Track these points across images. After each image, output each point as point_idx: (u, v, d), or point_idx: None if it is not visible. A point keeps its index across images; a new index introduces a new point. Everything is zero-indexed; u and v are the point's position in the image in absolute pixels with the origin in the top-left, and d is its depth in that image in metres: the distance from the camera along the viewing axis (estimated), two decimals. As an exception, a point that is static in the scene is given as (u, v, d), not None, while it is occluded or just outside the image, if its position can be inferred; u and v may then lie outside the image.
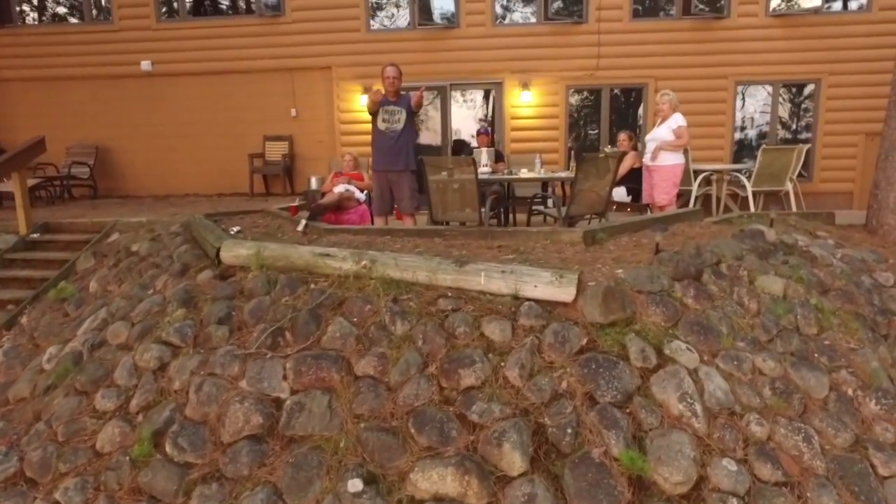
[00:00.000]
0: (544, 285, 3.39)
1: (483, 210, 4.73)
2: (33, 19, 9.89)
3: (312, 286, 3.79)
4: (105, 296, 4.96)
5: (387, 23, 9.11)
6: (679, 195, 6.25)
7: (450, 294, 3.57)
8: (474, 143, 9.25)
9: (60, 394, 3.56)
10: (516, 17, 9.02)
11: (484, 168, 6.42)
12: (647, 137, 5.86)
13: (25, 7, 9.83)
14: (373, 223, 6.10)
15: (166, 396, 3.29)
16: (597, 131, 9.07)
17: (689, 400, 2.89)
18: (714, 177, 7.65)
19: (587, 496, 2.58)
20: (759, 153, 7.24)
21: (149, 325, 3.77)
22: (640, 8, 8.71)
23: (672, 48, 8.54)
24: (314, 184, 8.82)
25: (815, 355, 3.44)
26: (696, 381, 3.02)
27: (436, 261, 3.70)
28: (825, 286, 4.19)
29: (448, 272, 3.62)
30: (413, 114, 4.92)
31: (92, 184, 9.24)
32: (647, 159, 5.75)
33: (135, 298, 4.33)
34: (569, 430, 2.76)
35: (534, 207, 5.69)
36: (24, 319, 5.28)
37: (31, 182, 7.78)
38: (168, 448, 3.00)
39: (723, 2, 8.45)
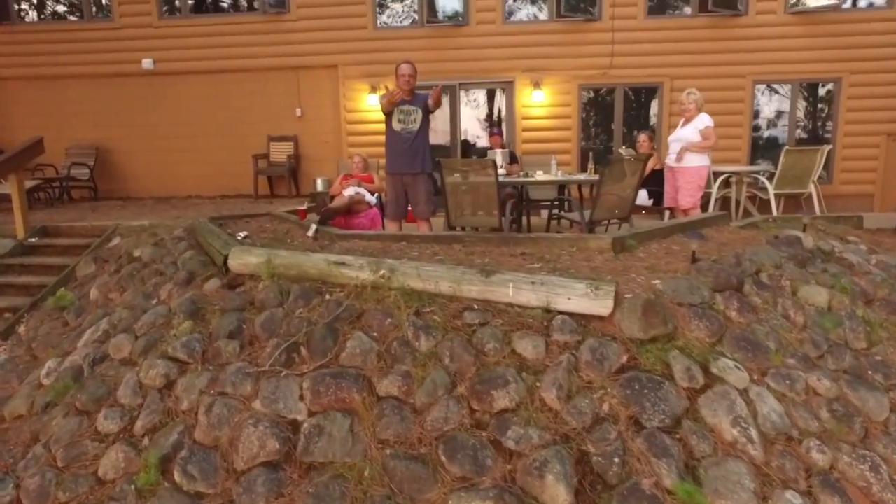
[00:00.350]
0: (578, 298, 3.16)
1: (503, 215, 4.50)
2: (32, 17, 9.63)
3: (327, 297, 3.56)
4: (106, 304, 4.73)
5: (394, 20, 8.87)
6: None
7: (476, 306, 3.34)
8: (483, 144, 9.04)
9: (60, 413, 3.32)
10: (527, 14, 8.79)
11: (499, 170, 6.19)
12: (671, 138, 5.63)
13: (24, 4, 9.58)
14: (384, 227, 5.88)
15: (174, 418, 3.06)
16: (610, 132, 8.84)
17: (743, 424, 2.66)
18: (733, 178, 7.43)
19: (638, 533, 2.35)
20: (782, 154, 7.01)
21: (154, 339, 3.54)
22: (656, 5, 8.48)
23: (688, 46, 8.32)
24: (320, 185, 8.62)
25: (869, 373, 3.21)
26: (747, 403, 2.79)
27: (460, 270, 3.47)
28: (868, 296, 3.97)
29: (474, 283, 3.39)
30: (429, 113, 4.68)
31: (92, 185, 9.01)
32: (670, 161, 5.53)
33: (138, 309, 4.09)
34: (615, 459, 2.53)
35: (552, 212, 5.45)
36: (21, 328, 5.05)
37: (29, 184, 7.53)
38: (177, 476, 2.77)
39: (740, -1, 8.23)
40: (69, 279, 5.57)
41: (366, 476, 2.65)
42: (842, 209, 7.73)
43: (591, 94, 8.84)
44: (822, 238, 4.68)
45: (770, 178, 7.14)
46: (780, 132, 8.56)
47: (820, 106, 8.58)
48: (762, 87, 8.51)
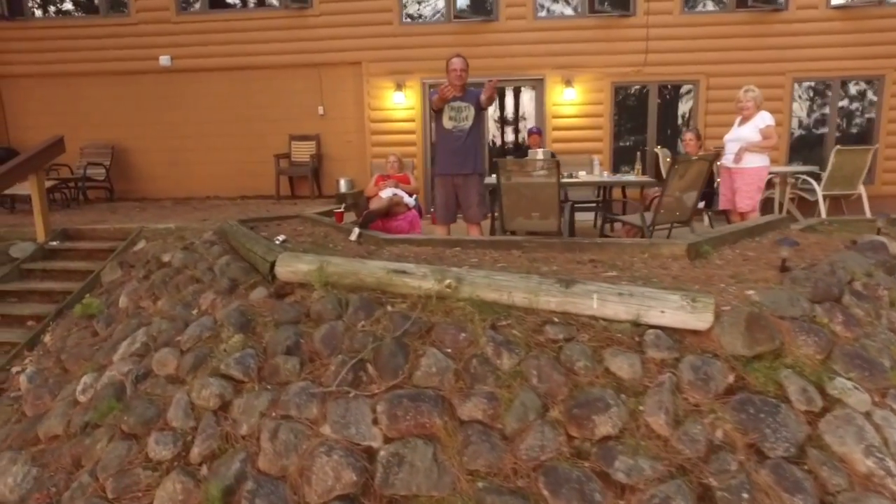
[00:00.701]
0: (673, 311, 2.88)
1: (563, 218, 4.23)
2: (45, 12, 9.35)
3: (389, 308, 3.29)
4: (138, 313, 4.45)
5: (421, 15, 8.59)
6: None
7: (556, 319, 3.07)
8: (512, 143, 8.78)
9: (104, 436, 3.05)
10: (559, 9, 8.51)
11: (540, 172, 5.92)
12: (728, 138, 5.36)
13: (36, -1, 9.33)
14: (420, 231, 5.61)
15: (233, 444, 2.79)
16: (644, 131, 8.56)
17: (877, 454, 2.39)
18: (776, 179, 7.15)
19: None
20: (833, 154, 6.75)
21: (202, 354, 3.26)
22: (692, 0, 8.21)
23: (725, 43, 8.05)
24: (343, 186, 8.35)
25: None
26: (875, 429, 2.52)
27: (535, 280, 3.20)
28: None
29: (552, 294, 3.11)
30: (482, 110, 4.41)
31: (108, 186, 8.73)
32: (727, 161, 5.25)
33: (179, 319, 3.82)
34: (743, 494, 2.26)
35: (606, 214, 5.16)
36: (47, 338, 4.78)
37: (46, 184, 7.24)
38: (243, 511, 2.50)
39: (780, -7, 7.95)
40: (94, 285, 5.30)
41: (458, 513, 2.37)
42: (885, 211, 7.45)
43: (625, 93, 8.55)
44: (901, 243, 4.40)
45: (814, 177, 6.86)
46: (821, 132, 8.28)
47: (862, 104, 8.30)
48: (802, 85, 8.23)
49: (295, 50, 8.57)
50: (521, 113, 8.88)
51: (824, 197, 6.97)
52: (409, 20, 8.53)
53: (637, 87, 8.46)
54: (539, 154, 6.07)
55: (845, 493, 2.31)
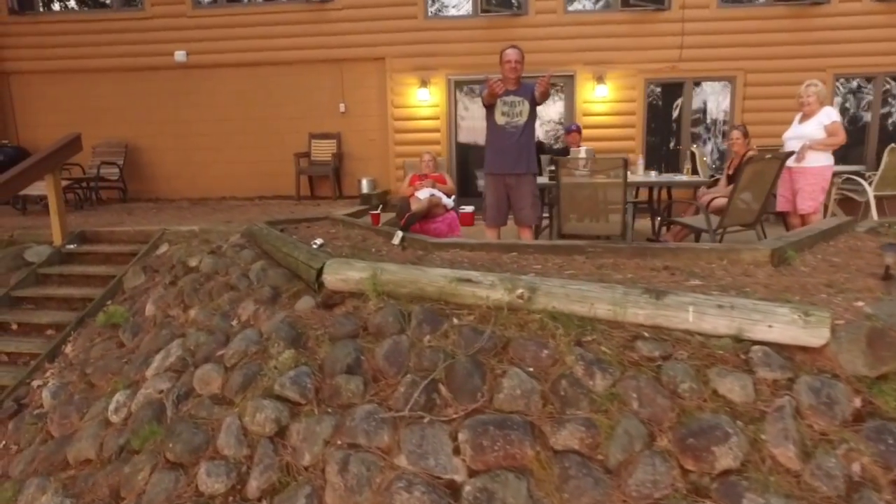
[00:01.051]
0: (783, 325, 2.57)
1: (627, 221, 3.93)
2: (55, 7, 9.04)
3: (456, 321, 2.98)
4: (168, 322, 4.15)
5: (447, 7, 8.28)
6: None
7: (647, 334, 2.76)
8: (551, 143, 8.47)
9: (146, 464, 2.74)
10: (590, 3, 8.21)
11: (583, 172, 5.62)
12: (788, 136, 5.06)
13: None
14: (459, 233, 5.31)
15: (295, 476, 2.48)
16: (678, 129, 8.26)
17: None
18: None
19: None
20: (886, 153, 6.45)
21: (251, 372, 2.96)
22: (730, -8, 7.91)
23: (764, 37, 7.74)
24: (365, 186, 8.06)
25: None
26: None
27: (620, 290, 2.89)
28: None
29: (641, 305, 2.80)
30: (537, 105, 4.10)
31: (121, 186, 8.43)
32: (789, 161, 4.94)
33: (218, 331, 3.51)
34: (902, 544, 1.95)
35: (666, 218, 4.84)
36: (68, 349, 4.48)
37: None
38: (315, 556, 2.20)
39: (822, -14, 7.65)
40: (116, 291, 5.00)
41: (566, 561, 2.07)
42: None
43: (658, 89, 8.24)
44: None
45: (864, 177, 6.56)
46: (863, 129, 7.98)
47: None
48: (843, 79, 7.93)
49: (316, 45, 8.27)
50: (550, 110, 8.57)
51: (877, 198, 6.65)
52: (434, 14, 8.22)
53: (672, 83, 8.14)
54: (581, 153, 5.78)
55: None
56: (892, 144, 6.59)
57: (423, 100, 8.17)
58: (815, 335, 2.54)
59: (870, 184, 6.40)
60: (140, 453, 2.84)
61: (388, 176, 8.46)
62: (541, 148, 7.98)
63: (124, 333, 4.27)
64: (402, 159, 8.26)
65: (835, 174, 6.61)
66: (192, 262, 4.85)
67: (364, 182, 8.12)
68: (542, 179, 5.24)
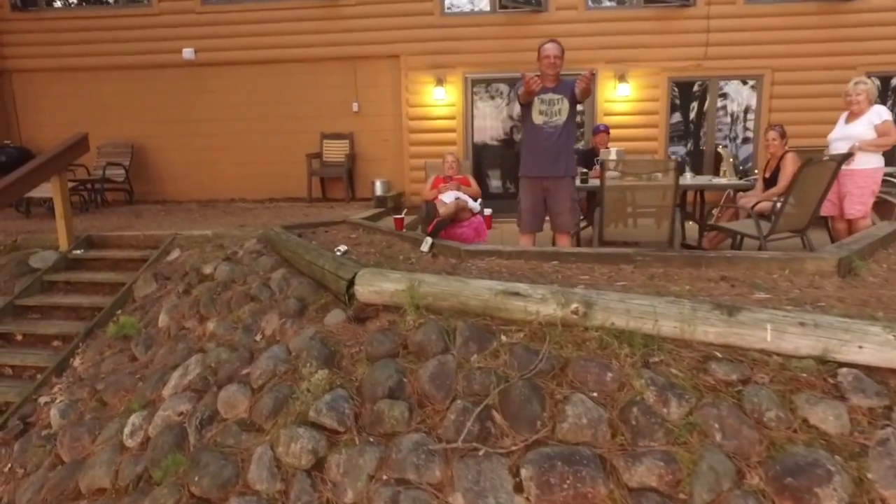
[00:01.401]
0: (876, 346, 2.33)
1: (676, 227, 3.67)
2: (59, 2, 8.79)
3: (504, 339, 2.73)
4: (183, 335, 3.90)
5: (464, 5, 8.02)
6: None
7: (719, 355, 2.51)
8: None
9: (168, 499, 2.48)
10: (614, -1, 7.97)
11: (613, 174, 5.37)
12: (834, 137, 4.80)
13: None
14: (486, 239, 5.06)
15: (338, 515, 2.22)
16: (702, 129, 8.01)
17: None
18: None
19: None
20: (927, 154, 6.19)
21: (281, 395, 2.70)
22: (758, -12, 7.65)
23: (792, 34, 7.49)
24: (379, 188, 7.81)
25: None
26: None
27: (688, 306, 2.63)
28: None
29: (711, 322, 2.55)
30: (577, 104, 3.85)
31: (128, 187, 8.17)
32: (834, 161, 4.69)
33: (241, 347, 3.26)
34: None
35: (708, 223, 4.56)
36: (76, 362, 4.23)
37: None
38: None
39: (853, -19, 7.39)
40: (126, 300, 4.75)
41: None
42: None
43: (682, 88, 7.98)
44: None
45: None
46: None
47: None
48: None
49: (328, 42, 8.02)
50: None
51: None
52: (451, 10, 7.96)
53: (696, 81, 7.89)
54: (612, 154, 5.53)
55: None
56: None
57: (439, 99, 7.92)
58: (913, 357, 2.29)
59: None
60: (161, 485, 2.58)
61: (402, 177, 8.21)
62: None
63: (137, 346, 4.01)
64: (417, 160, 8.01)
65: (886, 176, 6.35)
66: (207, 270, 4.60)
67: (378, 184, 7.87)
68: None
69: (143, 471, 2.76)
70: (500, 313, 2.87)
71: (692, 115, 8.05)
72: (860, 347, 2.35)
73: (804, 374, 2.39)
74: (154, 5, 8.20)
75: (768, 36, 7.50)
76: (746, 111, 7.92)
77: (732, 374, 2.40)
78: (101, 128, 8.36)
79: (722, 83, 7.86)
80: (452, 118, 8.03)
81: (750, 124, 7.91)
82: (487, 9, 7.90)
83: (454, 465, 2.25)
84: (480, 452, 2.28)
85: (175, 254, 5.16)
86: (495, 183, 8.46)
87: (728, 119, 7.99)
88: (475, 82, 8.04)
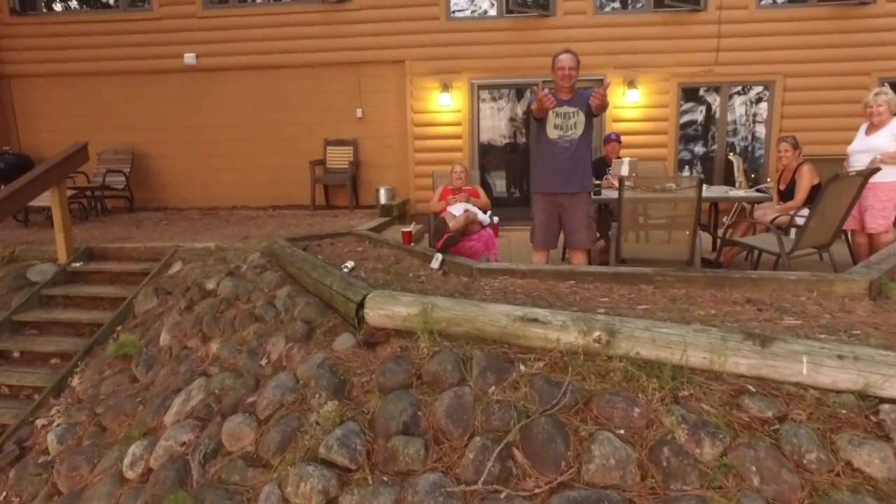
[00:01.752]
0: (921, 382, 2.19)
1: (697, 245, 3.54)
2: (59, 7, 8.66)
3: (523, 369, 2.60)
4: (186, 355, 3.77)
5: (471, 10, 7.89)
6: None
7: (752, 388, 2.37)
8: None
9: (171, 541, 2.35)
10: (623, 3, 7.83)
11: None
12: (853, 149, 4.67)
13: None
14: (496, 252, 4.92)
15: (351, 564, 2.09)
16: (713, 137, 7.87)
17: None
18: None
19: None
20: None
21: (289, 428, 2.57)
22: (770, -8, 7.53)
23: (805, 40, 7.36)
24: (383, 196, 7.68)
25: None
26: None
27: (717, 335, 2.50)
28: None
29: (744, 354, 2.42)
30: (593, 117, 3.71)
31: (128, 195, 8.04)
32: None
33: (246, 373, 3.13)
34: None
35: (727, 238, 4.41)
36: (75, 381, 4.10)
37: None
38: None
39: (867, -15, 7.24)
40: (126, 316, 4.63)
41: None
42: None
43: (693, 94, 7.84)
44: None
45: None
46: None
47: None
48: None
49: (332, 47, 7.89)
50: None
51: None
52: (457, 15, 7.83)
53: (707, 88, 7.75)
54: (624, 164, 5.39)
55: None
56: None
57: (445, 105, 7.79)
58: (960, 394, 2.16)
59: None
60: (163, 525, 2.45)
61: (406, 185, 8.08)
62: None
63: (137, 367, 3.89)
64: (422, 167, 7.89)
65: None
66: (209, 285, 4.47)
67: (382, 191, 7.74)
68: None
69: (144, 506, 2.63)
70: (519, 340, 2.75)
71: (702, 121, 7.91)
72: (904, 382, 2.22)
73: (844, 411, 2.25)
74: (155, 10, 8.07)
75: (780, 41, 7.37)
76: (756, 117, 7.79)
77: (768, 410, 2.26)
78: (101, 134, 8.25)
79: (733, 89, 7.73)
80: (458, 125, 7.89)
81: (761, 131, 7.77)
82: (494, 13, 7.77)
83: (475, 509, 2.12)
84: (502, 495, 2.15)
85: (176, 267, 5.03)
86: (502, 190, 8.33)
87: (739, 125, 7.85)
88: (481, 88, 7.91)
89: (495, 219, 5.46)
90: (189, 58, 8.04)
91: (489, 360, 2.62)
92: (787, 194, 5.14)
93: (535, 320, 2.73)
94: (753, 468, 2.08)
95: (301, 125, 8.14)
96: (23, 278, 5.04)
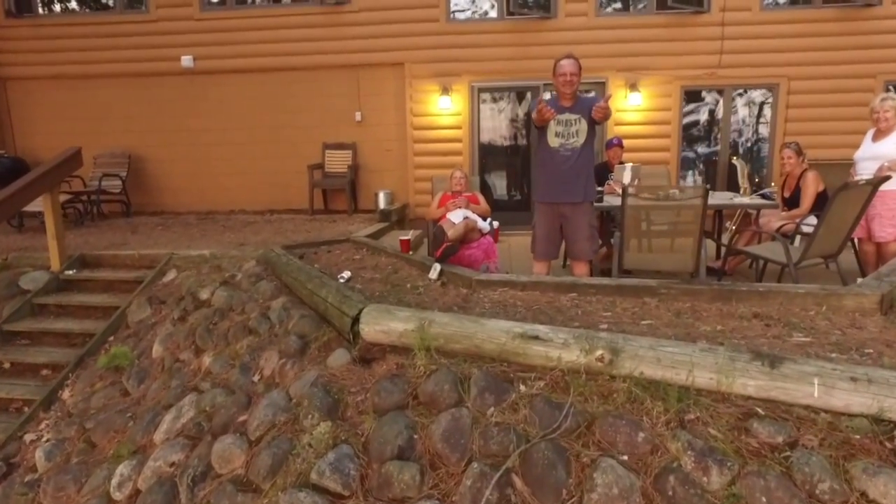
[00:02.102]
0: (938, 406, 2.09)
1: (702, 256, 3.45)
2: (56, 9, 8.57)
3: (523, 388, 2.51)
4: (178, 368, 3.68)
5: (471, 11, 7.80)
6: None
7: (761, 411, 2.28)
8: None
9: (156, 571, 2.26)
10: (624, 5, 7.73)
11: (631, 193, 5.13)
12: (861, 156, 4.57)
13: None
14: (496, 260, 4.82)
15: None
16: (716, 140, 7.78)
17: None
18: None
19: None
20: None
21: (280, 451, 2.48)
22: (774, -7, 7.43)
23: (810, 42, 7.26)
24: (382, 200, 7.59)
25: None
26: None
27: (724, 355, 2.40)
28: None
29: (752, 375, 2.32)
30: (595, 125, 3.61)
31: (124, 199, 7.95)
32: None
33: (238, 390, 3.04)
34: None
35: (732, 247, 4.31)
36: (65, 394, 4.01)
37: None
38: None
39: (873, -13, 7.14)
40: (119, 325, 4.54)
41: None
42: None
43: (696, 97, 7.74)
44: None
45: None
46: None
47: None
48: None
49: (331, 49, 7.80)
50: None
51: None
52: (457, 17, 7.73)
53: (710, 90, 7.66)
54: (626, 170, 5.29)
55: None
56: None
57: (445, 108, 7.70)
58: (981, 421, 2.06)
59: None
60: (149, 552, 2.36)
61: (406, 188, 8.00)
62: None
63: (129, 380, 3.80)
64: (421, 171, 7.80)
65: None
66: (204, 295, 4.39)
67: (381, 196, 7.64)
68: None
69: (130, 531, 2.55)
70: (519, 358, 2.65)
71: (706, 124, 7.81)
72: (920, 407, 2.12)
73: (857, 436, 2.16)
74: (152, 12, 7.99)
75: (784, 44, 7.27)
76: (760, 120, 7.69)
77: (777, 435, 2.17)
78: (97, 137, 8.17)
79: (736, 92, 7.63)
80: (458, 128, 7.80)
81: (765, 134, 7.68)
82: (494, 15, 7.68)
83: (472, 541, 2.03)
84: (501, 526, 2.05)
85: (171, 275, 4.95)
86: (502, 193, 8.24)
87: (743, 129, 7.75)
88: (482, 91, 7.81)
89: (495, 223, 5.37)
90: (186, 60, 7.95)
91: (488, 379, 2.53)
92: (791, 201, 5.04)
93: (536, 338, 2.63)
94: (764, 499, 1.99)
95: (299, 128, 8.05)
96: (15, 286, 4.96)
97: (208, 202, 8.30)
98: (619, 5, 7.72)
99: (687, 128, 7.75)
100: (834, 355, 2.56)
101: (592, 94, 4.37)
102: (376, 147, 8.04)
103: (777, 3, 7.41)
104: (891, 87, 7.31)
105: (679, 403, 2.31)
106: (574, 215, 3.65)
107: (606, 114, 3.49)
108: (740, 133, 7.74)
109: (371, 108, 7.98)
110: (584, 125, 3.60)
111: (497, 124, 8.00)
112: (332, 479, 2.27)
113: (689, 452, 2.13)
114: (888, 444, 2.12)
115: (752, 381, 2.33)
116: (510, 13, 7.55)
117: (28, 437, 3.66)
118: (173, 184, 8.37)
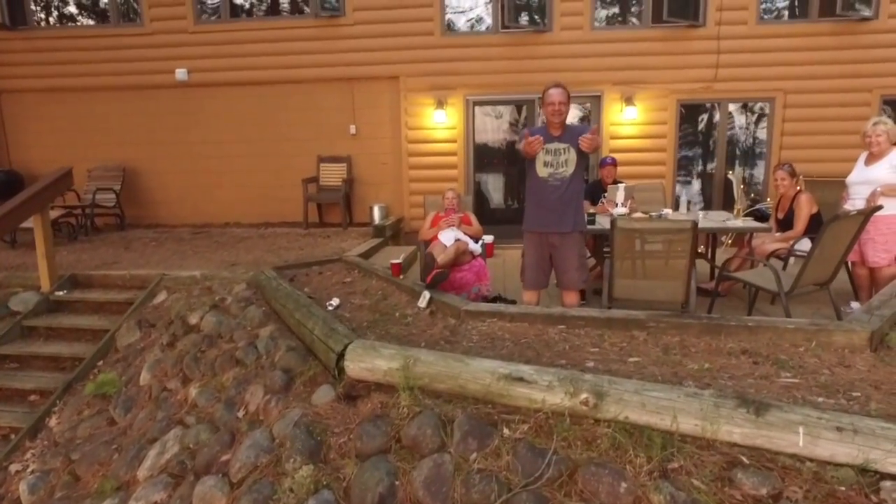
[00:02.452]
0: (924, 459, 2.06)
1: (691, 288, 3.42)
2: (51, 21, 8.56)
3: (507, 432, 2.48)
4: (165, 398, 3.66)
5: (466, 25, 7.77)
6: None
7: (745, 460, 2.25)
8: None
9: None
10: (620, 19, 7.71)
11: (621, 210, 5.11)
12: (852, 180, 4.54)
13: (42, 7, 8.49)
14: (488, 282, 4.80)
15: None
16: (712, 155, 7.75)
17: None
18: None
19: None
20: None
21: (262, 497, 2.45)
22: (770, 8, 7.38)
23: (806, 56, 7.23)
24: (377, 215, 7.58)
25: None
26: None
27: (709, 401, 2.38)
28: None
29: (737, 422, 2.30)
30: (584, 155, 3.58)
31: (119, 213, 7.93)
32: (852, 207, 4.42)
33: (222, 427, 3.02)
34: None
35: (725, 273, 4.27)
36: (52, 422, 3.99)
37: (51, 214, 6.44)
38: None
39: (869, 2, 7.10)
40: (108, 350, 4.52)
41: None
42: None
43: (692, 111, 7.72)
44: None
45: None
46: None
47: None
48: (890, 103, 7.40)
49: (326, 63, 7.78)
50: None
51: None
52: (452, 31, 7.71)
53: (706, 105, 7.63)
54: (620, 189, 5.27)
55: None
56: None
57: (440, 121, 7.67)
58: (967, 474, 2.04)
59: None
60: None
61: (401, 202, 7.98)
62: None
63: (116, 409, 3.78)
64: (416, 184, 7.78)
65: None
66: (193, 319, 4.36)
67: (376, 210, 7.62)
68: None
69: (110, 575, 2.52)
70: (503, 399, 2.63)
71: (702, 138, 7.78)
72: (906, 459, 2.09)
73: (842, 488, 2.13)
74: (146, 25, 7.97)
75: (781, 58, 7.25)
76: (756, 134, 7.66)
77: (762, 486, 2.14)
78: (92, 150, 8.17)
79: (732, 106, 7.60)
80: (453, 141, 7.78)
81: (761, 148, 7.65)
82: (489, 29, 7.65)
83: None
84: (480, 582, 2.03)
85: (161, 296, 4.93)
86: (499, 202, 8.21)
87: (739, 143, 7.72)
88: (477, 104, 7.79)
89: (489, 238, 5.33)
90: (181, 73, 7.93)
91: (471, 423, 2.50)
92: (785, 223, 5.01)
93: (521, 379, 2.61)
94: (746, 557, 1.96)
95: (294, 141, 8.03)
96: (4, 307, 4.95)
97: (203, 215, 8.28)
98: (615, 19, 7.69)
99: (683, 142, 7.72)
100: (821, 399, 2.53)
101: (584, 124, 4.31)
102: (371, 160, 8.02)
103: (773, 17, 7.39)
104: (884, 112, 7.27)
105: (663, 451, 2.28)
106: (563, 245, 3.62)
107: (593, 145, 3.46)
108: (737, 147, 7.71)
109: (366, 122, 7.95)
110: (573, 154, 3.57)
111: (492, 138, 7.97)
112: (312, 528, 2.25)
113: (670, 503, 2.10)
114: (874, 498, 2.09)
115: (737, 429, 2.30)
116: (505, 27, 7.53)
117: (13, 468, 3.64)
118: (168, 197, 8.35)
